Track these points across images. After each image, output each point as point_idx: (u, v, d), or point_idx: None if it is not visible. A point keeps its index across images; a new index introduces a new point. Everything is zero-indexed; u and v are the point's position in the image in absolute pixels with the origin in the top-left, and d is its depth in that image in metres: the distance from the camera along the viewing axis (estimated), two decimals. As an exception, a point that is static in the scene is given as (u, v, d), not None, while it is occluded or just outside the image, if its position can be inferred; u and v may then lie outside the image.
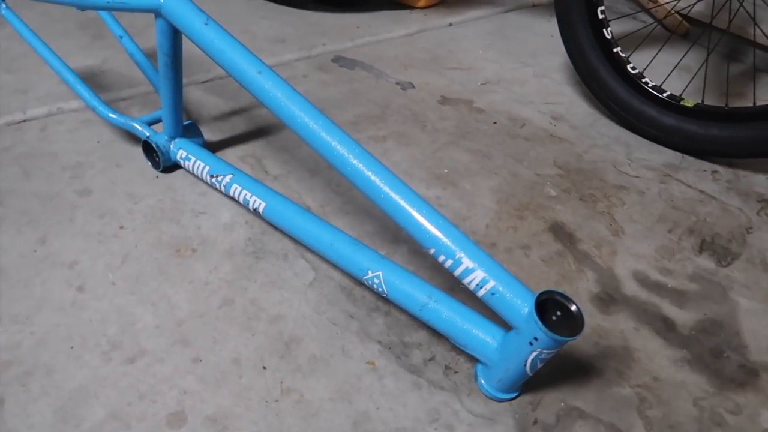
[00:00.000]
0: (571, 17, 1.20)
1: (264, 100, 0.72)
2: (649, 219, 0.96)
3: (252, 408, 0.64)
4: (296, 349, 0.70)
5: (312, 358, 0.69)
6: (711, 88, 1.33)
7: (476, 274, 0.61)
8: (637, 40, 1.32)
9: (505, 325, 0.63)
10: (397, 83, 1.29)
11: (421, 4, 1.69)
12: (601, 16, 1.17)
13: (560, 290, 0.58)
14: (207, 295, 0.76)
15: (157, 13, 0.79)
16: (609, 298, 0.82)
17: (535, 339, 0.57)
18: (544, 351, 0.58)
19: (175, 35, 0.81)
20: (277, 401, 0.65)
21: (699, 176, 1.08)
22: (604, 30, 1.17)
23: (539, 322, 0.55)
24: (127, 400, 0.64)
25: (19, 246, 0.81)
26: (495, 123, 1.18)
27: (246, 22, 1.54)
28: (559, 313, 0.59)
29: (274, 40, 1.45)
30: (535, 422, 0.66)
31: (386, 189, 0.65)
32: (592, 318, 0.78)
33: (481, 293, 0.61)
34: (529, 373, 0.62)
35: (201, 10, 0.77)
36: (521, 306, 0.59)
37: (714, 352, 0.76)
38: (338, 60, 1.37)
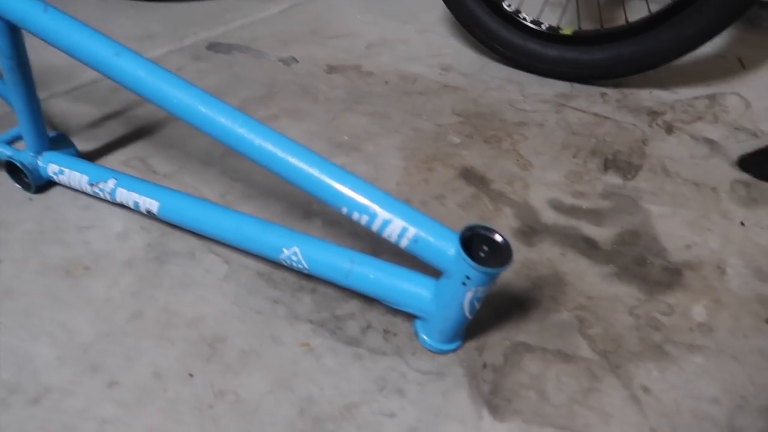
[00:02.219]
0: (442, -34, 1.18)
1: (127, 83, 0.64)
2: (552, 148, 0.97)
3: (184, 420, 0.58)
4: (222, 347, 0.64)
5: (241, 354, 0.64)
6: (584, 18, 1.37)
7: (395, 224, 0.57)
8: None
9: (436, 274, 0.60)
10: (280, 60, 1.23)
11: (289, -21, 1.63)
12: (470, -40, 1.16)
13: (483, 224, 0.56)
14: (110, 312, 0.68)
15: (-12, 12, 0.69)
16: (530, 230, 0.81)
17: (468, 278, 0.55)
18: (479, 288, 0.56)
19: (13, 33, 0.71)
20: (211, 407, 0.59)
21: (590, 100, 1.10)
22: (475, -27, 1.17)
23: (468, 259, 0.53)
24: (36, 446, 0.56)
25: None
26: (387, 83, 1.15)
27: (103, 22, 1.41)
28: (486, 248, 0.56)
29: (140, 38, 1.34)
30: (485, 366, 0.64)
31: (284, 155, 0.60)
32: (519, 252, 0.78)
33: (403, 243, 0.58)
34: (469, 317, 0.60)
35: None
36: (447, 248, 0.56)
37: (637, 260, 0.78)
38: (213, 46, 1.29)
